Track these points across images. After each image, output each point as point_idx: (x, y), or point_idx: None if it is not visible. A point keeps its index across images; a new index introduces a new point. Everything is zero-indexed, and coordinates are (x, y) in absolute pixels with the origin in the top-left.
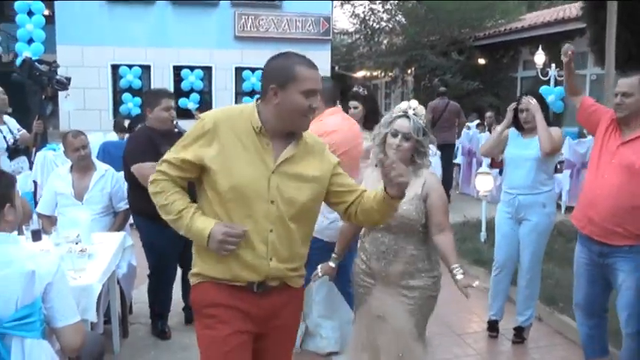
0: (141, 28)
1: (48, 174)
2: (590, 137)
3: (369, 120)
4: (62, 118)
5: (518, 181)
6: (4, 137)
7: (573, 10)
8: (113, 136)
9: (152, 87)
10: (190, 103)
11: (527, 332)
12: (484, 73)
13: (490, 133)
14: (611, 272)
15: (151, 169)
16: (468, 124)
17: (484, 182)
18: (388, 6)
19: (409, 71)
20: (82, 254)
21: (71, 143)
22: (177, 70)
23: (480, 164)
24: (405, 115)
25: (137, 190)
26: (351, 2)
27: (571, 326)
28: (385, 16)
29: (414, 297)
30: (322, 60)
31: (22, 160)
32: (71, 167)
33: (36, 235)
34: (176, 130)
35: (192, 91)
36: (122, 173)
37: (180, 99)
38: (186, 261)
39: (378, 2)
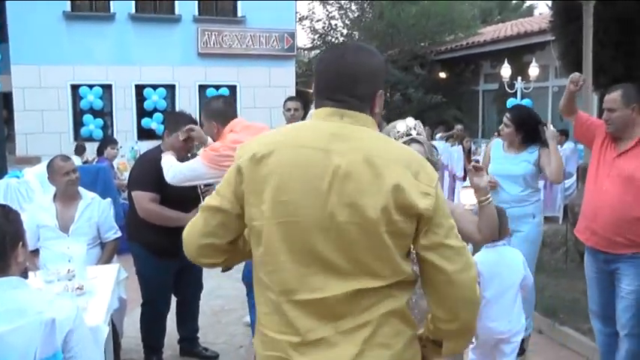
0: (101, 45)
1: (12, 203)
2: (563, 148)
3: None
4: (19, 142)
5: (506, 196)
6: None
7: (534, 24)
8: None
9: (114, 107)
10: (154, 123)
11: (526, 343)
12: (445, 87)
13: (462, 146)
14: (616, 277)
15: (148, 202)
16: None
17: (469, 196)
18: (347, 21)
19: None
20: (80, 292)
21: (62, 167)
22: (140, 89)
23: (453, 177)
24: (416, 140)
25: (135, 215)
26: (310, 17)
27: (574, 337)
28: (345, 32)
29: None
30: (287, 76)
31: None
32: (54, 196)
33: (22, 274)
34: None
35: (155, 110)
36: (109, 200)
37: (143, 119)
38: (181, 290)
39: (337, 18)
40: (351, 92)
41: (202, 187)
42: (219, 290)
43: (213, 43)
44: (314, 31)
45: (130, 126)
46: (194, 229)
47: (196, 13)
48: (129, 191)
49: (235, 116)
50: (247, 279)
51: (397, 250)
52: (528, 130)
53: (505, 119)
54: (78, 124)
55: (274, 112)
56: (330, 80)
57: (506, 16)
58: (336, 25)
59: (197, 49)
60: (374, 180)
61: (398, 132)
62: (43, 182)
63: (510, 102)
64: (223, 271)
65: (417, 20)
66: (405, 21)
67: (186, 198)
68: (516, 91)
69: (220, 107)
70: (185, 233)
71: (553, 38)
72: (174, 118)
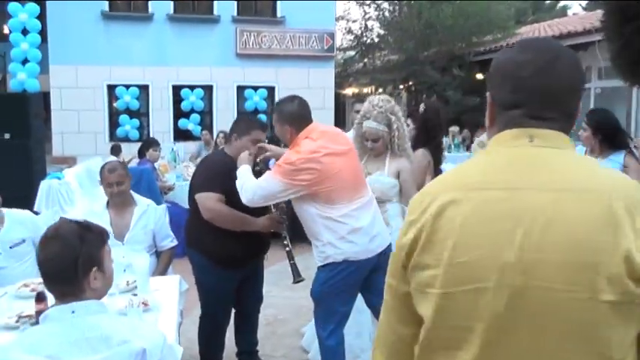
0: (138, 46)
1: (54, 205)
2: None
3: (420, 140)
4: (55, 142)
5: None
6: None
7: (577, 25)
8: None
9: (151, 108)
10: (190, 124)
11: None
12: (483, 89)
13: None
14: None
15: (214, 202)
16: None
17: None
18: (385, 22)
19: (401, 87)
20: (145, 308)
21: (106, 178)
22: (177, 89)
23: None
24: None
25: (196, 221)
26: (346, 18)
27: None
28: (381, 32)
29: None
30: (326, 77)
31: None
32: (107, 203)
33: None
34: (257, 168)
35: (192, 111)
36: (164, 207)
37: (179, 120)
38: (241, 301)
39: (373, 19)
40: (565, 107)
41: None
42: (269, 298)
43: (252, 44)
44: (349, 31)
45: (166, 127)
46: None
47: (235, 13)
48: (190, 195)
49: (311, 120)
50: (317, 294)
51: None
52: (607, 134)
53: (583, 123)
54: (114, 124)
55: (313, 114)
56: (544, 92)
57: (540, 16)
58: (372, 26)
59: (235, 49)
60: (596, 228)
61: None
62: (82, 183)
63: None
64: (296, 282)
65: (455, 20)
66: (443, 21)
67: (253, 207)
68: None
69: (295, 110)
70: None
71: (599, 39)
72: (245, 122)
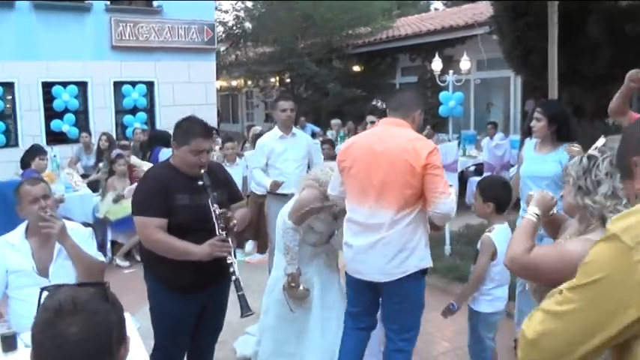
0: (0, 37)
1: None
2: (508, 139)
3: None
4: None
5: None
6: None
7: (458, 19)
8: None
9: (18, 108)
10: (65, 125)
11: None
12: (362, 81)
13: None
14: None
15: (153, 230)
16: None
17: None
18: (255, 12)
19: (273, 80)
20: None
21: (28, 192)
22: (48, 87)
23: None
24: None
25: None
26: (220, 9)
27: None
28: (254, 23)
29: None
30: (207, 71)
31: None
32: (26, 230)
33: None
34: (200, 182)
35: (66, 110)
36: (90, 230)
37: (52, 121)
38: (196, 334)
39: (246, 9)
40: None
41: (217, 212)
42: None
43: (129, 35)
44: (222, 23)
45: (37, 129)
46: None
47: (108, 2)
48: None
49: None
50: None
51: None
52: (562, 125)
53: (536, 113)
54: None
55: (195, 110)
56: None
57: (405, 10)
58: (245, 16)
59: (111, 41)
60: None
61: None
62: None
63: (443, 95)
64: (245, 316)
65: (333, 14)
66: (321, 14)
67: (198, 225)
68: (448, 85)
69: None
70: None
71: (482, 32)
72: (183, 128)
